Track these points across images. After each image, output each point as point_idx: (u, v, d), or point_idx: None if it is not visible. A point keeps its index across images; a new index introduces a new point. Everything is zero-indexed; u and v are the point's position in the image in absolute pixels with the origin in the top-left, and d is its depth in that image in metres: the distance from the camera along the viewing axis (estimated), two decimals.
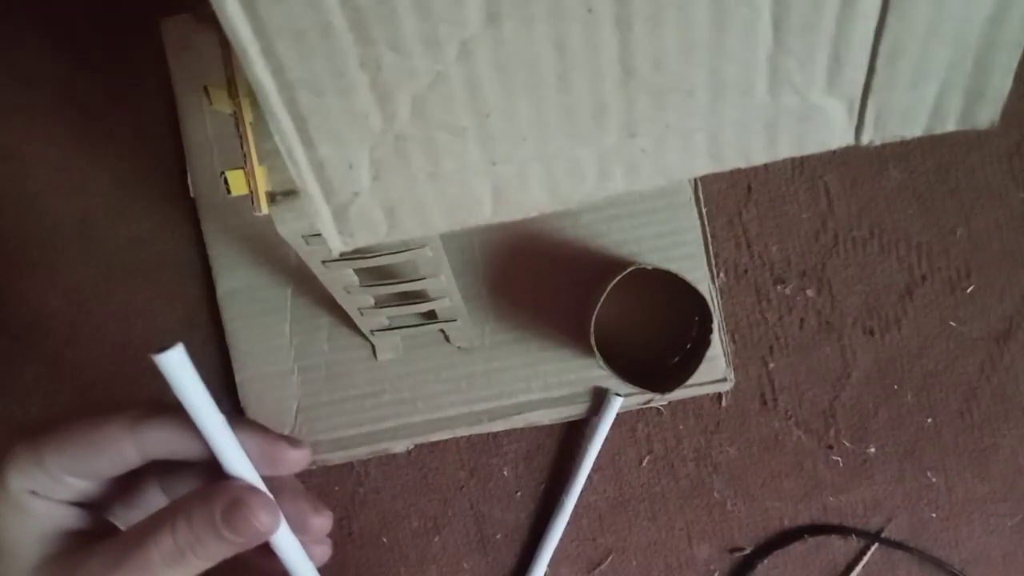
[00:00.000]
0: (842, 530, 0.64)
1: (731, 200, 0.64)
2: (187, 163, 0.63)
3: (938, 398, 0.64)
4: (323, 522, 0.42)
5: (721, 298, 0.63)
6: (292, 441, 0.41)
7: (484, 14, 0.29)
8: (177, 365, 0.36)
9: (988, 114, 0.33)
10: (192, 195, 0.63)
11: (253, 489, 0.38)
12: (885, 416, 0.64)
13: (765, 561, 0.64)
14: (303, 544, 0.41)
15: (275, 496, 0.39)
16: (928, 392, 0.64)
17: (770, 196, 0.64)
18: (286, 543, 0.40)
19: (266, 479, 0.40)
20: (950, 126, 0.34)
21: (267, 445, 0.40)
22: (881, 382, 0.64)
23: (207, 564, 0.38)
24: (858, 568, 0.64)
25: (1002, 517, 0.64)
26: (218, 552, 0.38)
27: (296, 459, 0.41)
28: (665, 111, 0.32)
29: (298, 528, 0.41)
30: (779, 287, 0.64)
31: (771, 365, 0.64)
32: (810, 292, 0.64)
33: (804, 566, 0.65)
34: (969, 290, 0.64)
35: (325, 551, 0.43)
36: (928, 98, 0.33)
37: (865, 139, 0.34)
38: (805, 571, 0.65)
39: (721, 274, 0.64)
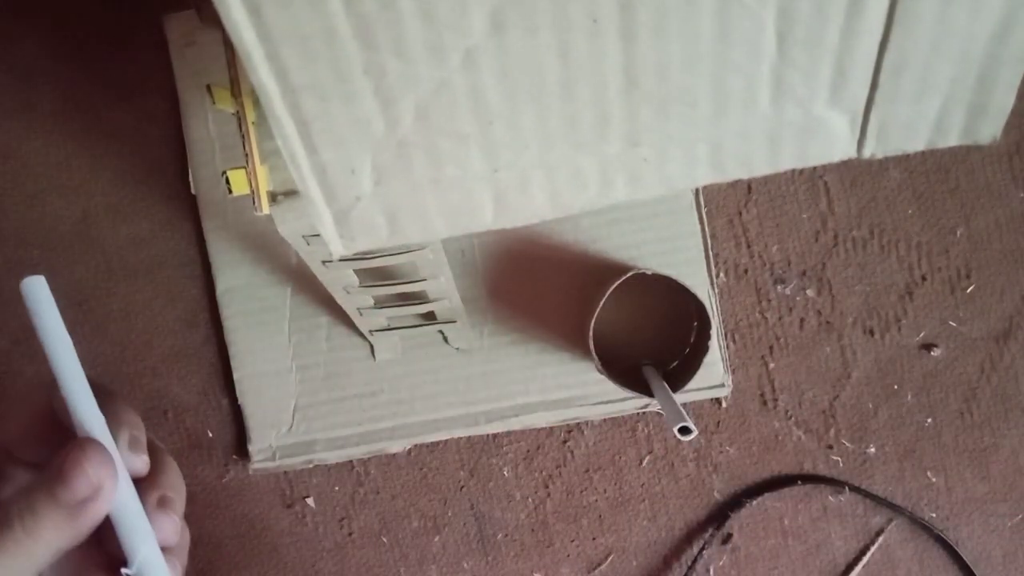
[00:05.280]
0: (834, 482, 0.65)
1: (731, 200, 0.64)
2: (188, 160, 0.63)
3: (938, 398, 0.64)
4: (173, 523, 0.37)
5: (721, 298, 0.63)
6: (135, 443, 0.37)
7: (489, 23, 0.29)
8: (39, 293, 0.35)
9: (990, 129, 0.33)
10: (193, 192, 0.63)
11: (90, 440, 0.35)
12: (885, 416, 0.64)
13: (754, 503, 0.65)
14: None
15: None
16: (928, 392, 0.64)
17: (770, 196, 0.64)
18: (123, 503, 0.35)
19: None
20: (952, 141, 0.34)
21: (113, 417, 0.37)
22: (881, 382, 0.64)
23: (41, 545, 0.34)
24: (858, 569, 0.64)
25: (1002, 517, 0.64)
26: (54, 524, 0.34)
27: (135, 467, 0.37)
28: (668, 121, 0.32)
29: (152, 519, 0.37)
30: (779, 287, 0.64)
31: (771, 365, 0.64)
32: (810, 292, 0.64)
33: (804, 563, 0.65)
34: (969, 290, 0.64)
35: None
36: (931, 112, 0.33)
37: (867, 152, 0.34)
38: (805, 570, 0.65)
39: (721, 274, 0.64)
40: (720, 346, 0.63)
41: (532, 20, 0.29)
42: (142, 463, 0.37)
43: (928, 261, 0.64)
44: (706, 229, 0.63)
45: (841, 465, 0.64)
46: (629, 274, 0.57)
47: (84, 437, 0.35)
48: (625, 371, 0.60)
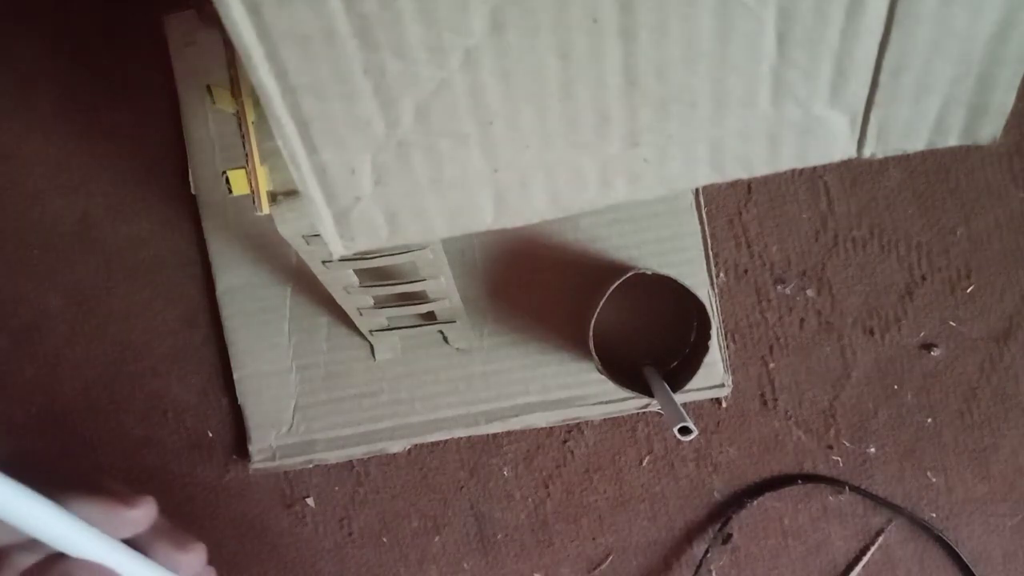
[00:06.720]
0: (834, 482, 0.64)
1: (731, 200, 0.64)
2: (188, 160, 0.63)
3: (938, 398, 0.64)
4: (192, 558, 0.37)
5: (721, 298, 0.63)
6: (129, 500, 0.35)
7: (489, 22, 0.29)
8: None
9: (990, 129, 0.33)
10: (193, 192, 0.63)
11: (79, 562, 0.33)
12: (885, 416, 0.64)
13: (754, 503, 0.65)
14: None
15: (133, 543, 0.35)
16: (928, 392, 0.64)
17: (770, 196, 0.64)
18: None
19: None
20: (952, 141, 0.34)
21: (100, 513, 0.34)
22: (881, 382, 0.64)
23: None
24: (858, 569, 0.64)
25: (1002, 517, 0.64)
26: None
27: (136, 518, 0.36)
28: (668, 121, 0.32)
29: (171, 568, 0.36)
30: (779, 287, 0.64)
31: (771, 365, 0.64)
32: (810, 292, 0.64)
33: (804, 563, 0.65)
34: (969, 290, 0.64)
35: None
36: (931, 113, 0.33)
37: (867, 152, 0.34)
38: (805, 570, 0.65)
39: (721, 274, 0.64)
40: (720, 346, 0.63)
41: (532, 20, 0.29)
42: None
43: (928, 261, 0.64)
44: (706, 229, 0.63)
45: (841, 465, 0.64)
46: (629, 274, 0.57)
47: None
48: (625, 371, 0.59)
